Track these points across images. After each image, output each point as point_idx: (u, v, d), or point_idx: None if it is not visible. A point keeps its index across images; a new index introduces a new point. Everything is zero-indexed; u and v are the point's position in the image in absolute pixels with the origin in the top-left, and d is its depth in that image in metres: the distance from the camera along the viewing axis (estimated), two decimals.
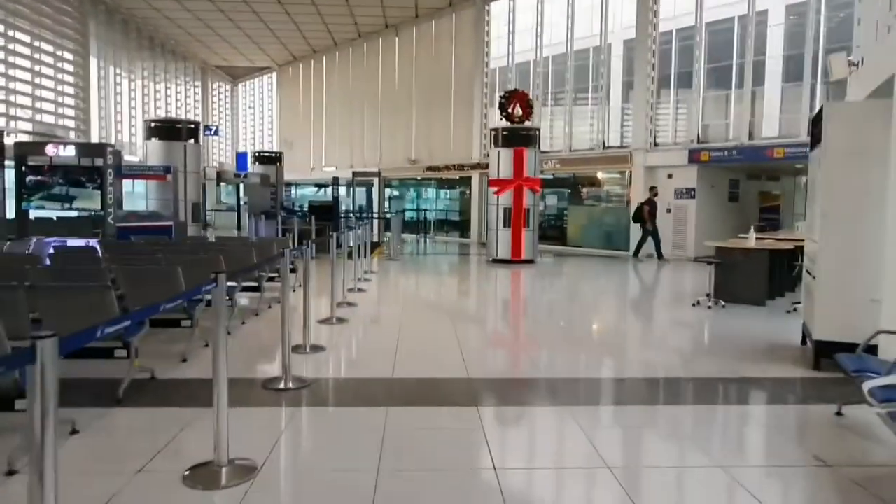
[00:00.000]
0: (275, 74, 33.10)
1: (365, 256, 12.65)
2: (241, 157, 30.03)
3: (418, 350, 6.39)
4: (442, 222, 26.42)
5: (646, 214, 16.13)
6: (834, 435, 4.24)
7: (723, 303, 9.12)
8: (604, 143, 19.10)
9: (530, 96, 15.98)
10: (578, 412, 4.58)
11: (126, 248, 8.98)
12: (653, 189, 16.38)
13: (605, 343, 7.45)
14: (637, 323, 8.91)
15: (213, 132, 32.16)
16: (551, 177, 20.70)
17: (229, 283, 7.15)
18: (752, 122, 15.98)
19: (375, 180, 23.52)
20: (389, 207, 27.75)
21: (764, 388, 5.41)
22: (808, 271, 6.37)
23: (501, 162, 15.16)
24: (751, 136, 15.86)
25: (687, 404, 5.03)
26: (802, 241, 10.79)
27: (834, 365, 5.69)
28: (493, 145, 15.55)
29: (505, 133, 15.28)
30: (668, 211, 17.39)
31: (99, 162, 12.44)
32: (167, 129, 14.45)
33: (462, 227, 24.18)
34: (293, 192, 33.09)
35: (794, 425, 4.57)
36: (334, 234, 9.25)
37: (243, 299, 8.38)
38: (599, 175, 19.95)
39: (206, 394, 3.57)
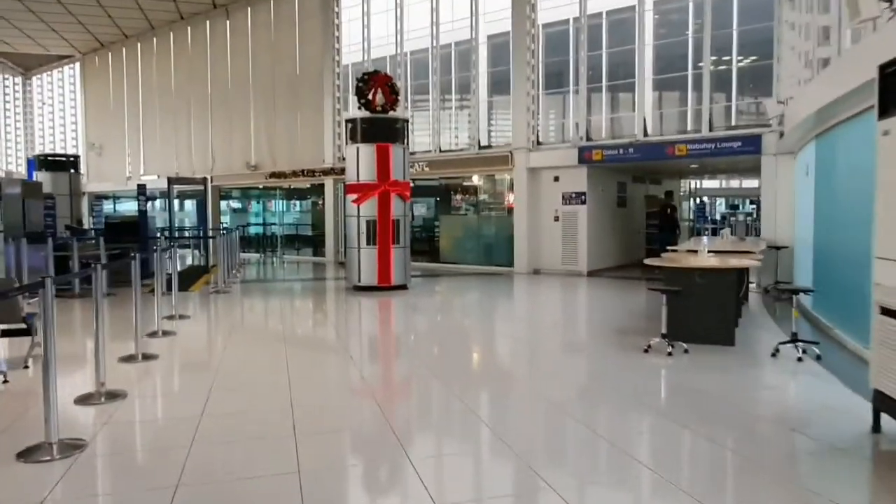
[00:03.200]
0: (78, 65, 27.30)
1: (164, 291, 8.84)
2: (32, 164, 24.22)
3: None
4: (292, 238, 22.61)
5: (677, 218, 16.02)
6: None
7: (684, 346, 6.53)
8: (479, 142, 16.49)
9: (395, 80, 12.87)
10: None
11: None
12: (669, 194, 16.35)
13: (546, 452, 4.44)
14: (585, 398, 5.81)
15: None
16: (412, 183, 17.78)
17: None
18: (646, 119, 14.04)
19: (208, 189, 19.17)
20: (229, 222, 23.43)
21: None
22: (888, 311, 3.78)
23: (361, 162, 11.89)
24: (645, 133, 13.90)
25: None
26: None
27: None
28: (349, 141, 12.24)
29: (365, 125, 12.03)
30: (556, 219, 15.08)
31: None
32: None
33: (316, 243, 20.54)
34: (108, 206, 27.51)
35: None
36: (135, 259, 5.58)
37: None
38: (475, 179, 17.31)
39: None
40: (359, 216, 11.89)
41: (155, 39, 23.89)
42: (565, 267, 14.91)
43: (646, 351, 6.55)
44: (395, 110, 12.47)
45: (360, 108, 12.27)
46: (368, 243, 11.87)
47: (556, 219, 15.07)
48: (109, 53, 25.73)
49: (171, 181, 14.67)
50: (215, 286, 12.11)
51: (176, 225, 17.23)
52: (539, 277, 14.60)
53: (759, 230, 13.23)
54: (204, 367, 6.37)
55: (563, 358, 7.04)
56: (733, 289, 6.82)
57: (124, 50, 25.08)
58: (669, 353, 6.38)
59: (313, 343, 8.05)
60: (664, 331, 6.58)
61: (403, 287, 12.18)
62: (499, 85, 16.69)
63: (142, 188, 13.16)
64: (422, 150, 17.43)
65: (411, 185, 12.66)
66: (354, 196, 11.93)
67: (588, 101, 14.80)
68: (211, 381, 5.60)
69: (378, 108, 12.21)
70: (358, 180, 11.92)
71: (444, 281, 14.60)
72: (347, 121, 12.47)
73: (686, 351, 6.48)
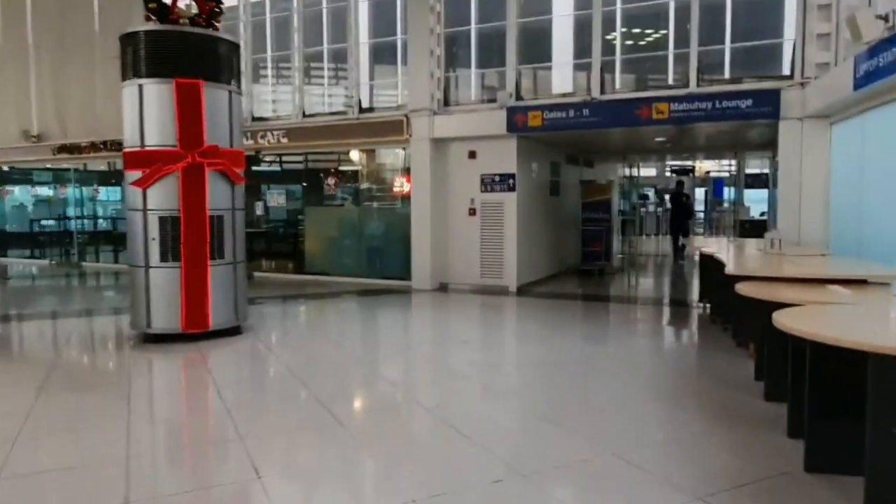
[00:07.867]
0: None
1: None
2: None
3: None
4: (108, 238, 16.51)
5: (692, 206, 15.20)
6: None
7: None
8: (360, 104, 11.58)
9: None
10: None
11: None
12: (681, 183, 15.04)
13: None
14: None
15: None
16: (267, 164, 12.71)
17: None
18: (604, 71, 9.80)
19: None
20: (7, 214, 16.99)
21: None
22: None
23: (148, 112, 6.63)
24: (603, 90, 9.67)
25: None
26: None
27: None
28: (129, 74, 6.86)
29: (153, 44, 6.71)
30: (472, 213, 10.57)
31: None
32: None
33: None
34: None
35: None
36: None
37: None
38: (354, 156, 12.36)
39: None
40: (145, 210, 6.64)
41: None
42: (485, 281, 10.44)
43: None
44: (216, 28, 7.27)
45: (148, 17, 6.95)
46: (165, 258, 6.66)
47: (473, 212, 10.55)
48: None
49: None
50: None
51: None
52: (449, 297, 10.04)
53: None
54: None
55: None
56: None
57: None
58: None
59: None
60: None
61: (235, 331, 7.09)
62: (381, 33, 11.95)
63: None
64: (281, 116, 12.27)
65: (245, 156, 7.47)
66: (136, 174, 6.65)
67: (519, 46, 10.32)
68: None
69: (184, 21, 6.97)
70: (142, 145, 6.64)
71: (308, 306, 9.63)
72: (122, 38, 7.00)
73: None
